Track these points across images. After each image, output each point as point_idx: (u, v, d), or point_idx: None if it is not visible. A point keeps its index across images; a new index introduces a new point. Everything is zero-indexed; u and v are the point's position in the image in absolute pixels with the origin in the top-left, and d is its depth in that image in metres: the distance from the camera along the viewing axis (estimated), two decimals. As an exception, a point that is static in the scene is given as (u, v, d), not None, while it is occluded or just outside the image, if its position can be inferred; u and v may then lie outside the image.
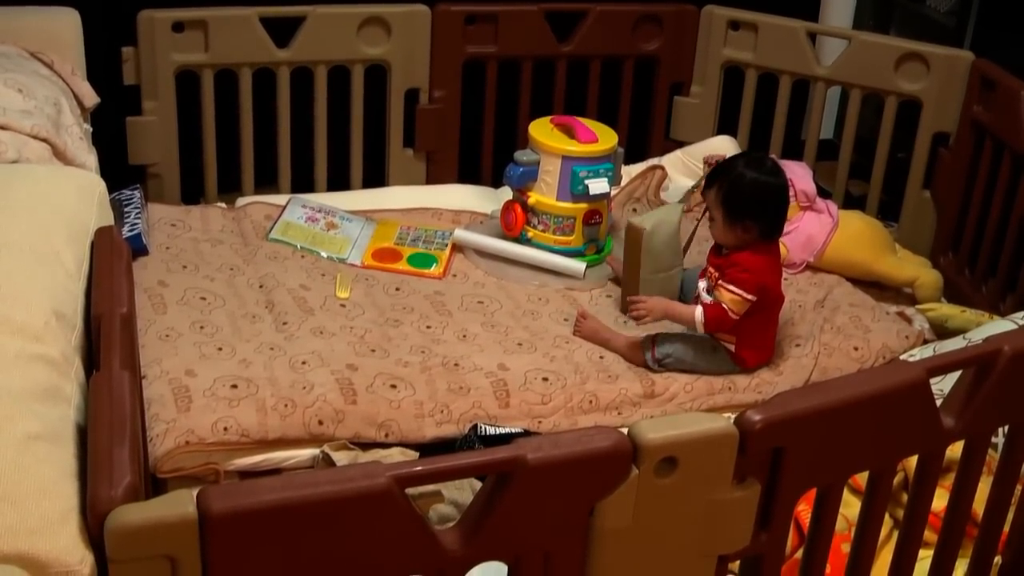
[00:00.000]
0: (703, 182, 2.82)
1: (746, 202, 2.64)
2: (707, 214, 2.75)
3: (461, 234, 3.18)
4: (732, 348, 2.77)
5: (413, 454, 2.44)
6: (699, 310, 2.71)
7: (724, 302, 2.67)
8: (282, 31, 3.46)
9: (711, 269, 2.76)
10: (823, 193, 3.42)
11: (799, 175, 3.29)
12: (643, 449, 1.55)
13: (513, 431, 2.52)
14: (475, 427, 2.51)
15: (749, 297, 2.66)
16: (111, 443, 1.51)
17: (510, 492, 1.51)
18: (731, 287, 2.66)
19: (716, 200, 2.67)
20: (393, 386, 2.56)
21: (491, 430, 2.51)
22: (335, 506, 1.43)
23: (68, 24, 3.14)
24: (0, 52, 2.89)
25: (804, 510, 2.10)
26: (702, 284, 2.78)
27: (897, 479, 2.19)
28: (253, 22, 3.41)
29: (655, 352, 2.75)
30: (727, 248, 2.72)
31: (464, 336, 2.80)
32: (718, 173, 2.71)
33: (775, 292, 2.75)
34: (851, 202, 3.75)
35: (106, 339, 1.76)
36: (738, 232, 2.66)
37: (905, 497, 2.07)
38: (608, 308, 2.99)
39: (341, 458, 2.37)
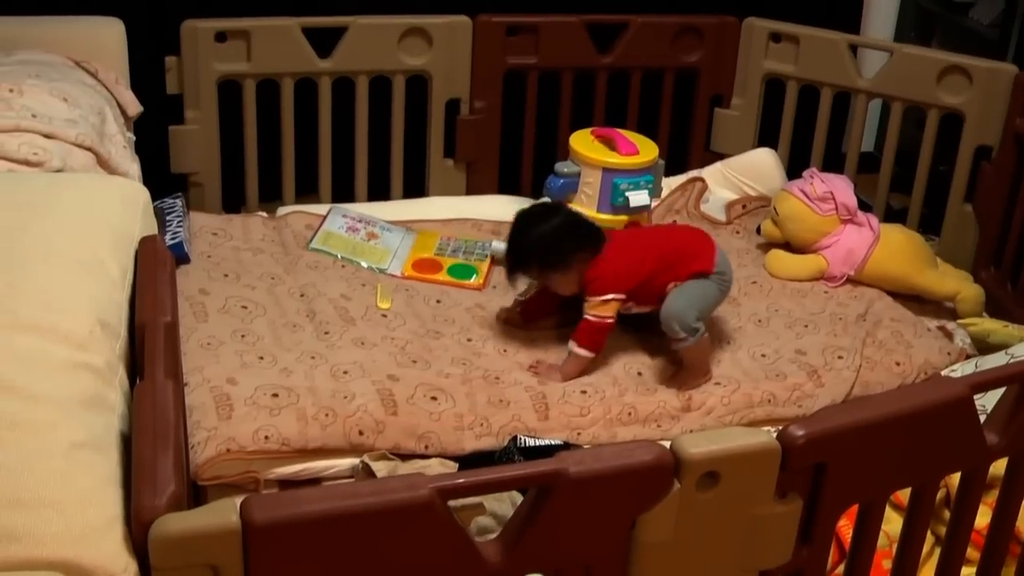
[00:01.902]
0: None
1: (558, 249, 2.72)
2: (546, 289, 2.84)
3: (500, 246, 3.18)
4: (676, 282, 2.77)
5: (452, 465, 2.44)
6: (570, 344, 2.75)
7: (588, 312, 2.73)
8: (324, 41, 3.48)
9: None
10: (864, 206, 3.40)
11: (840, 188, 3.28)
12: (685, 463, 1.55)
13: (553, 443, 2.51)
14: (515, 439, 2.51)
15: (607, 296, 2.71)
16: (155, 452, 1.52)
17: (552, 505, 1.51)
18: (589, 299, 2.73)
19: (543, 272, 2.76)
20: (434, 398, 2.56)
21: (530, 442, 2.51)
22: (377, 517, 1.43)
23: (112, 33, 3.17)
24: (45, 61, 2.91)
25: (845, 526, 2.09)
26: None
27: (940, 495, 2.17)
28: (295, 32, 3.43)
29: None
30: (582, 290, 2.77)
31: (504, 351, 2.80)
32: (517, 256, 2.77)
33: (634, 264, 2.75)
34: (892, 215, 3.73)
35: (150, 348, 1.77)
36: (576, 270, 2.73)
37: (947, 514, 2.05)
38: (644, 321, 2.97)
39: (380, 468, 2.38)
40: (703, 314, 2.76)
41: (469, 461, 2.47)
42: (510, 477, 1.55)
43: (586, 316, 2.72)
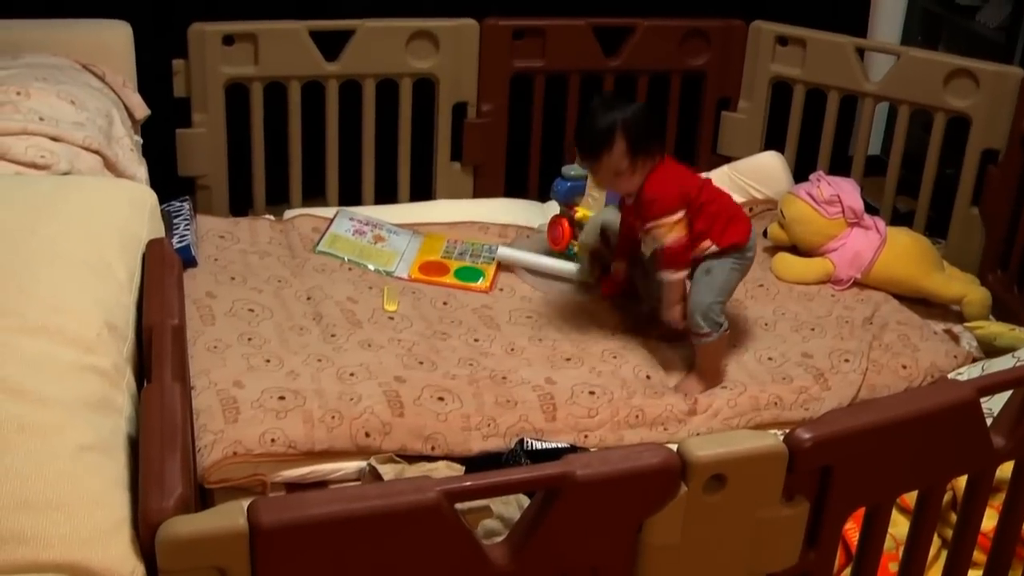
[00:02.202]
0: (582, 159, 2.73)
1: (645, 132, 2.63)
2: (592, 186, 2.81)
3: (504, 252, 3.18)
4: (714, 246, 2.74)
5: (459, 468, 2.44)
6: (661, 275, 2.71)
7: (663, 240, 2.66)
8: (331, 44, 3.49)
9: (640, 227, 2.73)
10: (870, 209, 3.40)
11: (847, 191, 3.28)
12: (692, 466, 1.55)
13: (559, 446, 2.51)
14: (521, 442, 2.51)
15: (677, 216, 2.65)
16: (162, 454, 1.52)
17: (559, 508, 1.51)
18: (657, 222, 2.65)
19: (620, 151, 2.61)
20: (440, 399, 2.56)
21: (537, 445, 2.51)
22: (384, 520, 1.44)
23: (120, 37, 3.17)
24: (53, 64, 2.92)
25: (852, 529, 2.09)
26: (647, 248, 2.77)
27: (946, 499, 2.17)
28: (302, 36, 3.43)
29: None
30: (631, 197, 2.72)
31: (512, 350, 2.80)
32: (600, 128, 2.63)
33: (693, 184, 2.72)
34: (899, 218, 3.74)
35: (157, 350, 1.78)
36: (641, 166, 2.64)
37: (954, 517, 2.05)
38: (653, 324, 2.97)
39: (387, 471, 2.38)
40: (727, 304, 2.78)
41: (476, 463, 2.48)
42: (517, 480, 1.56)
43: (665, 243, 2.66)
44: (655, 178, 2.66)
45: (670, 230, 2.65)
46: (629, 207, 2.78)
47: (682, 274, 2.71)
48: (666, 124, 3.82)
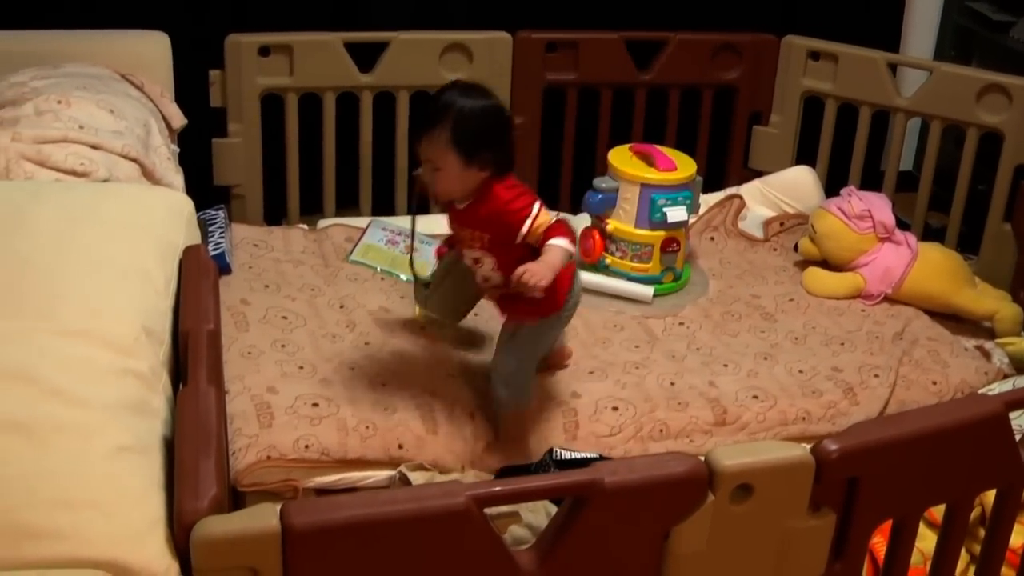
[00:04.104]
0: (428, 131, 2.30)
1: (481, 134, 2.27)
2: (419, 173, 2.39)
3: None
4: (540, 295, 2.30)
5: (488, 476, 2.46)
6: (557, 241, 2.29)
7: (548, 221, 2.30)
8: (366, 56, 3.51)
9: (470, 234, 2.40)
10: (902, 225, 3.40)
11: (878, 206, 3.28)
12: (719, 475, 1.56)
13: (588, 456, 2.52)
14: (551, 451, 2.52)
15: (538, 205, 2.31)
16: (197, 456, 1.55)
17: (586, 515, 1.53)
18: (535, 221, 2.30)
19: (445, 142, 2.26)
20: (471, 415, 2.58)
21: (566, 454, 2.52)
22: (414, 524, 1.46)
23: (158, 47, 3.21)
24: (93, 74, 2.96)
25: (880, 543, 2.09)
26: (469, 256, 2.45)
27: (975, 514, 2.17)
28: (337, 47, 3.46)
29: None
30: (461, 202, 2.38)
31: (538, 364, 2.82)
32: (437, 112, 2.29)
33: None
34: (930, 234, 3.73)
35: (193, 355, 1.80)
36: (474, 172, 2.30)
37: (982, 532, 2.05)
38: (680, 336, 2.99)
39: (418, 479, 2.40)
40: (535, 368, 2.55)
41: (505, 473, 2.49)
42: (546, 486, 1.58)
43: (553, 222, 2.31)
44: (496, 187, 2.33)
45: (542, 219, 2.31)
46: (459, 213, 2.42)
47: (572, 249, 2.33)
48: (698, 141, 3.84)
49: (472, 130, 2.27)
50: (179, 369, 1.88)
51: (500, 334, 2.55)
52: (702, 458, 1.59)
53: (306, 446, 2.40)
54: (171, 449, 1.65)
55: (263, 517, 1.42)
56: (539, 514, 2.21)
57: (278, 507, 1.43)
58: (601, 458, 2.53)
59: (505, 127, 2.36)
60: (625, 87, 3.77)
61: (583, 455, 2.52)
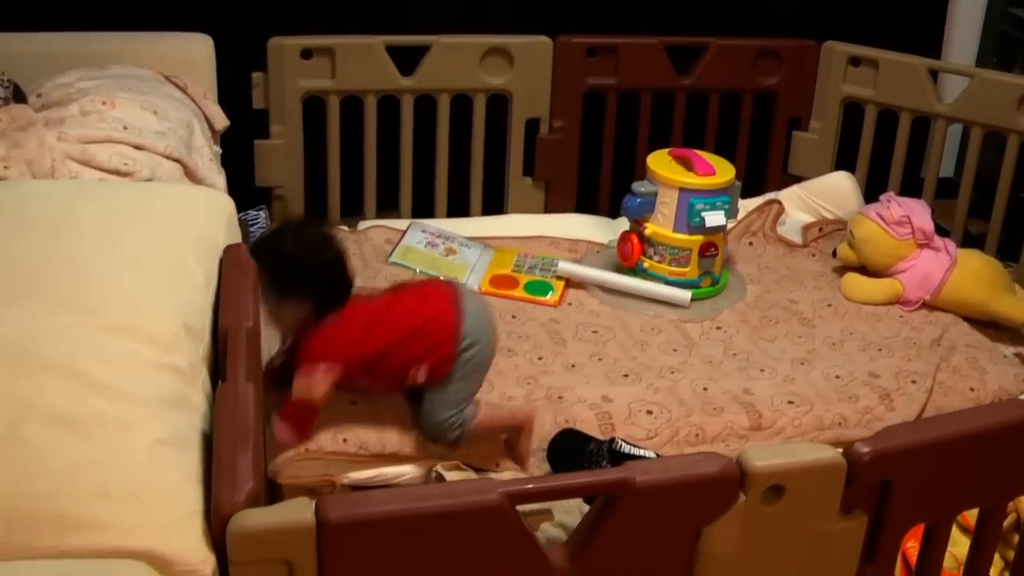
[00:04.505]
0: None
1: (291, 276, 2.33)
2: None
3: (565, 266, 3.21)
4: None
5: (523, 475, 2.47)
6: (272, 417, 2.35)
7: (296, 384, 2.32)
8: (407, 59, 3.54)
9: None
10: (941, 231, 3.39)
11: (917, 212, 3.27)
12: (751, 476, 1.57)
13: (646, 455, 2.50)
14: (612, 440, 2.50)
15: (326, 365, 2.30)
16: (235, 450, 1.57)
17: (618, 513, 1.54)
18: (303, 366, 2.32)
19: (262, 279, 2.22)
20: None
21: (627, 449, 2.50)
22: (447, 519, 1.47)
23: (202, 49, 3.25)
24: (137, 75, 2.99)
25: (912, 547, 2.09)
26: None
27: (1009, 520, 2.17)
28: (379, 50, 3.49)
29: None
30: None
31: (572, 366, 2.82)
32: (259, 249, 2.31)
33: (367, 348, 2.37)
34: (970, 241, 3.71)
35: (232, 351, 1.82)
36: (293, 308, 2.34)
37: (1016, 538, 2.05)
38: (717, 341, 2.99)
39: (453, 478, 2.42)
40: (470, 398, 2.46)
41: (563, 439, 2.51)
42: (578, 484, 1.59)
43: (294, 385, 2.32)
44: (317, 332, 2.33)
45: (306, 375, 2.30)
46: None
47: (289, 436, 2.37)
48: (738, 146, 3.84)
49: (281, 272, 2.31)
50: (218, 366, 1.91)
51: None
52: (734, 459, 1.59)
53: (344, 440, 2.43)
54: (209, 444, 1.67)
55: (298, 511, 1.44)
56: (573, 515, 2.22)
57: (313, 501, 1.45)
58: (658, 457, 2.51)
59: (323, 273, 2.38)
60: (665, 92, 3.78)
61: (642, 453, 2.50)
